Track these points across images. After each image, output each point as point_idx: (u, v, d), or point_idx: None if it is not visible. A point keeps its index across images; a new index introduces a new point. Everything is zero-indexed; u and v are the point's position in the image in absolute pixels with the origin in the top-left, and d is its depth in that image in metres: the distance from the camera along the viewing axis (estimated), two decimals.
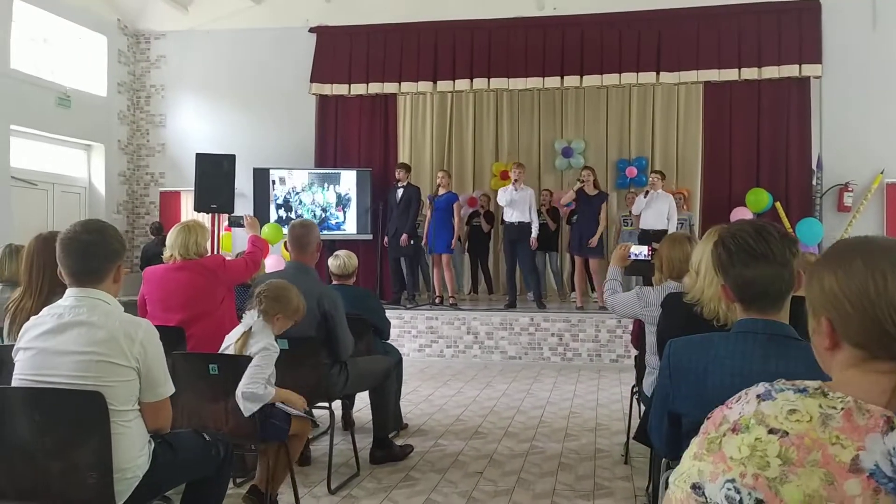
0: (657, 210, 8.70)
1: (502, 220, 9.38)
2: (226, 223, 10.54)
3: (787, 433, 1.06)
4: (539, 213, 9.63)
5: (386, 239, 9.48)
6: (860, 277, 1.11)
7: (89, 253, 2.39)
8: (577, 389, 6.99)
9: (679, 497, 1.16)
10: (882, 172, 9.44)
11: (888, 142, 9.17)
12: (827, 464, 1.02)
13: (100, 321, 2.34)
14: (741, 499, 1.06)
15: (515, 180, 8.83)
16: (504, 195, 8.88)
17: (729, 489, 1.07)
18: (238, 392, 3.16)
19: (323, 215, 10.31)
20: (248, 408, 3.16)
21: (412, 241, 9.26)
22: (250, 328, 3.32)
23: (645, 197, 8.72)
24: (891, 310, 1.08)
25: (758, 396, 1.12)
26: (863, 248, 1.14)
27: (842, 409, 1.06)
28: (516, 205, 8.82)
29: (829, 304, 1.14)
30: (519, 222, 8.85)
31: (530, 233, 8.96)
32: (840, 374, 1.15)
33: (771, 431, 1.07)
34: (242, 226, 4.84)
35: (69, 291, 2.42)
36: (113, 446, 2.29)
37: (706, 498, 1.12)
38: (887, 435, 1.02)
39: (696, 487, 1.13)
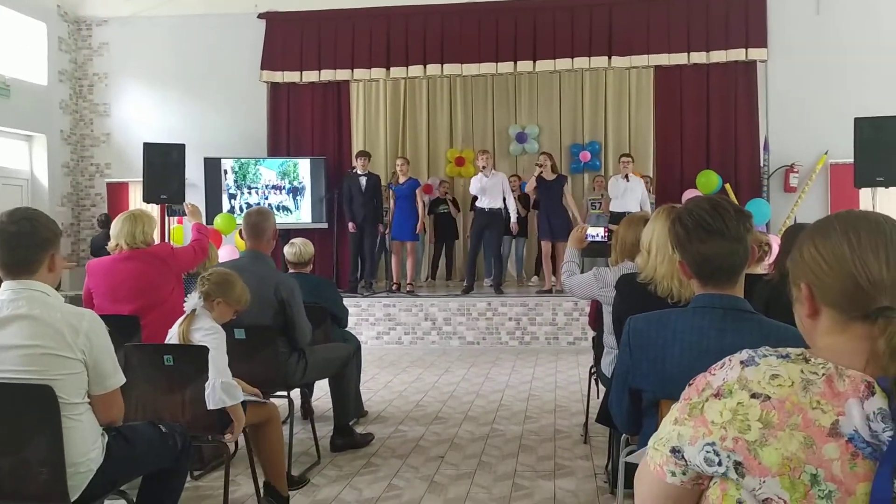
0: (634, 194, 8.80)
1: (472, 206, 9.39)
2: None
3: (769, 397, 1.07)
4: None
5: (352, 225, 9.33)
6: (836, 239, 1.14)
7: (18, 243, 2.29)
8: (536, 372, 7.05)
9: (658, 461, 1.18)
10: (826, 153, 9.70)
11: (831, 123, 9.40)
12: (807, 427, 1.04)
13: (41, 314, 2.25)
14: (720, 461, 1.08)
15: (483, 167, 8.82)
16: (476, 184, 8.85)
17: (708, 451, 1.09)
18: (215, 384, 3.07)
19: (270, 197, 10.22)
20: (222, 400, 3.08)
21: (386, 230, 9.24)
22: (194, 311, 3.24)
23: (627, 181, 8.81)
24: (864, 265, 1.10)
25: (741, 363, 1.14)
26: (841, 215, 1.19)
27: (823, 374, 1.08)
28: (488, 191, 8.81)
29: (808, 269, 1.17)
30: (490, 209, 8.84)
31: (502, 219, 8.97)
32: (821, 341, 1.17)
33: (753, 396, 1.09)
34: (184, 214, 4.76)
35: (5, 285, 2.33)
36: (64, 440, 2.22)
37: (685, 461, 1.13)
38: (867, 400, 1.04)
39: (675, 451, 1.14)
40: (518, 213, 9.27)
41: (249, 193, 10.31)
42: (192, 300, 3.27)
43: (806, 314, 1.19)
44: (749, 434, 1.06)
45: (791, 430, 1.04)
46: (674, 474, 1.16)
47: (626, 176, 8.86)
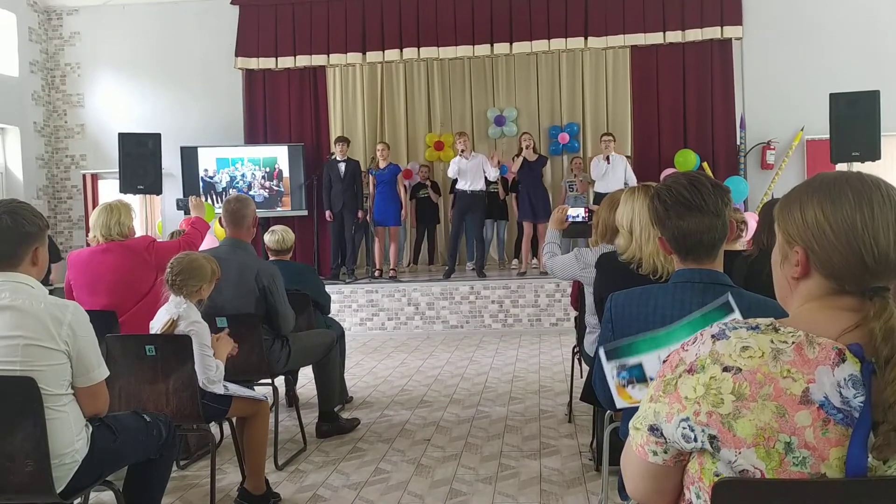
0: (616, 173, 8.81)
1: (452, 189, 9.39)
2: (160, 206, 10.28)
3: (741, 370, 1.07)
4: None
5: (329, 213, 9.30)
6: (848, 208, 1.10)
7: (0, 237, 2.27)
8: (519, 354, 7.09)
9: (639, 441, 1.18)
10: (802, 129, 9.77)
11: (807, 99, 9.46)
12: (778, 397, 1.04)
13: (24, 304, 2.23)
14: (695, 436, 1.09)
15: (462, 150, 8.78)
16: (453, 167, 8.85)
17: (684, 428, 1.09)
18: (204, 384, 3.20)
19: (251, 185, 10.13)
20: (218, 388, 3.26)
21: (367, 217, 9.21)
22: (178, 316, 3.21)
23: (608, 162, 8.82)
24: (874, 242, 1.09)
25: (712, 337, 1.14)
26: (853, 180, 1.13)
27: (793, 342, 1.07)
28: (467, 174, 8.79)
29: (809, 234, 1.13)
30: (471, 191, 8.83)
31: (483, 201, 8.97)
32: (799, 307, 1.16)
33: (725, 369, 1.08)
34: (187, 208, 4.70)
35: None
36: (48, 432, 2.20)
37: (665, 438, 1.14)
38: (837, 367, 1.04)
39: (653, 429, 1.15)
40: (498, 195, 9.25)
41: (228, 181, 10.21)
42: (174, 307, 3.22)
43: (794, 276, 1.16)
44: (722, 407, 1.06)
45: (763, 401, 1.05)
46: (655, 454, 1.16)
47: (608, 157, 8.87)
